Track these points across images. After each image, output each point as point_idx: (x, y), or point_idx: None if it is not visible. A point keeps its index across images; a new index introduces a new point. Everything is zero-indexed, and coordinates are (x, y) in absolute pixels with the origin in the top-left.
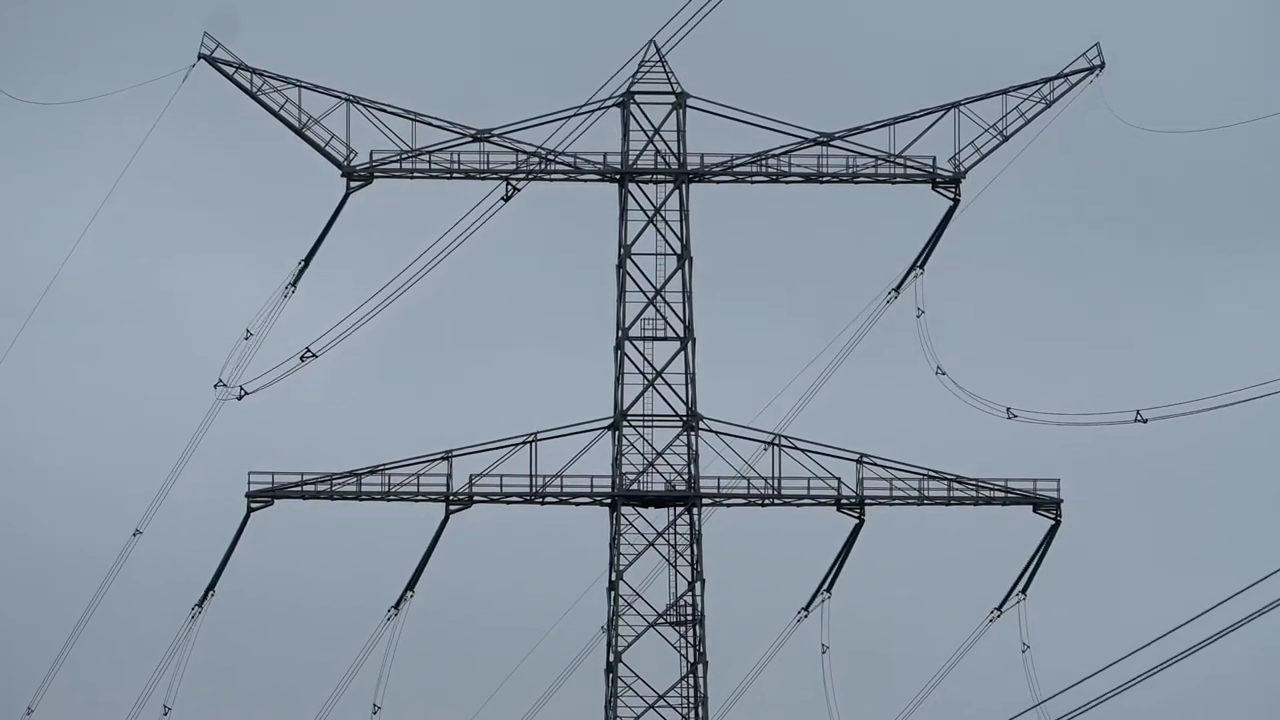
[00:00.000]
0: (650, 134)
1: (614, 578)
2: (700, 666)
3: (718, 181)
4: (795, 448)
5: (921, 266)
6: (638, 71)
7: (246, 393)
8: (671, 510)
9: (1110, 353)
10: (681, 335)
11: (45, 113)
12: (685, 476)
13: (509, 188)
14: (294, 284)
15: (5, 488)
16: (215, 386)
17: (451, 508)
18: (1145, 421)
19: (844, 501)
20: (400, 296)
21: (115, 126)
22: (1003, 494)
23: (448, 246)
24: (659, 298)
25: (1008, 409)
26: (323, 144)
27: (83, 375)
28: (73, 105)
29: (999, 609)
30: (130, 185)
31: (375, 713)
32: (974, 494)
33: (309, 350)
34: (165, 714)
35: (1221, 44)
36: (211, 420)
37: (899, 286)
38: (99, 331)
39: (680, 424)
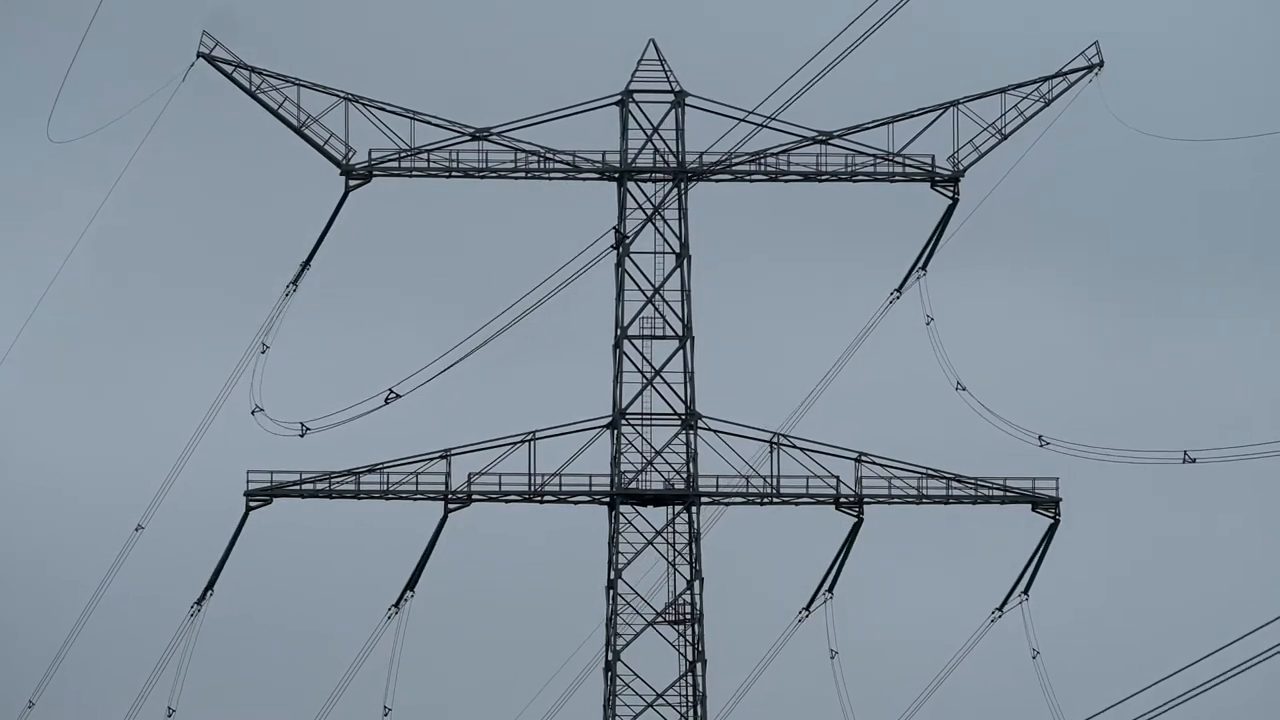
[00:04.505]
0: (649, 133)
1: (613, 576)
2: (699, 665)
3: (716, 180)
4: (794, 446)
5: (924, 267)
6: (636, 70)
7: (308, 429)
8: (670, 509)
9: (1124, 363)
10: (680, 334)
11: (65, 148)
12: (684, 475)
13: (618, 235)
14: (294, 284)
15: (6, 485)
16: (253, 413)
17: (450, 506)
18: (1194, 461)
19: (843, 500)
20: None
21: (120, 137)
22: (1001, 493)
23: (552, 290)
24: (658, 296)
25: (1039, 437)
26: (322, 143)
27: (84, 374)
28: (87, 139)
29: (1000, 609)
30: (130, 185)
31: (386, 715)
32: (973, 493)
33: (392, 391)
34: (170, 715)
35: (1222, 44)
36: (210, 422)
37: (901, 286)
38: (98, 332)
39: (679, 423)
